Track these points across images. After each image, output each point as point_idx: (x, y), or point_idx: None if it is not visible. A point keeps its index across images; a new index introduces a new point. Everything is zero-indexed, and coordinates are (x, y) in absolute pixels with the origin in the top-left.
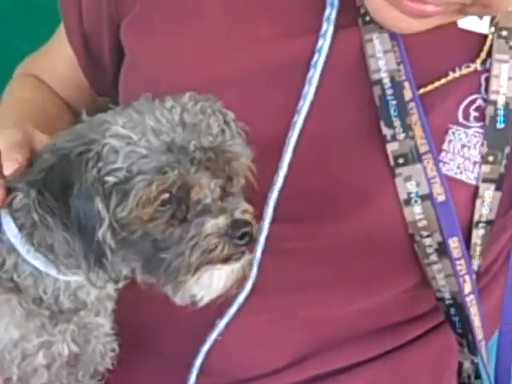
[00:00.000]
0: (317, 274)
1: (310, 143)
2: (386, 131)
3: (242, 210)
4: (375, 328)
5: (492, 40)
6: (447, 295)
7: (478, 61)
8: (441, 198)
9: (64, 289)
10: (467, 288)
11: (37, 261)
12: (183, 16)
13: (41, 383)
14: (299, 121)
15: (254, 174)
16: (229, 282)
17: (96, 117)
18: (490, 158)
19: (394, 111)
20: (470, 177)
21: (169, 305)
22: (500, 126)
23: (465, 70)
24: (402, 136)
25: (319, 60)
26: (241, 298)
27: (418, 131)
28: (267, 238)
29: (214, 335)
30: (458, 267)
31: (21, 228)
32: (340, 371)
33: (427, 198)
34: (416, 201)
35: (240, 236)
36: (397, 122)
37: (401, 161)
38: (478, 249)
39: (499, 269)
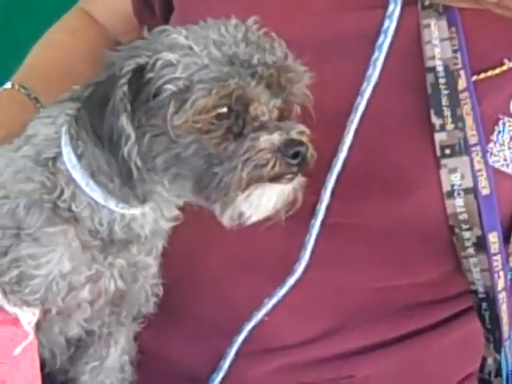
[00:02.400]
0: (361, 251)
1: (370, 126)
2: (435, 120)
3: (299, 130)
4: (406, 305)
5: None
6: (481, 289)
7: None
8: (485, 192)
9: (119, 220)
10: (501, 284)
11: (95, 192)
12: None
13: (82, 318)
14: (362, 103)
15: (311, 102)
16: (279, 202)
17: (156, 29)
18: None
19: (446, 101)
20: None
21: (221, 276)
22: None
23: None
24: (451, 126)
25: (385, 42)
26: (293, 278)
27: (469, 121)
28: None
29: (260, 314)
30: (494, 263)
31: (80, 157)
32: (370, 348)
33: (471, 191)
34: (459, 193)
35: (293, 155)
36: (447, 112)
37: (447, 152)
38: None
39: None
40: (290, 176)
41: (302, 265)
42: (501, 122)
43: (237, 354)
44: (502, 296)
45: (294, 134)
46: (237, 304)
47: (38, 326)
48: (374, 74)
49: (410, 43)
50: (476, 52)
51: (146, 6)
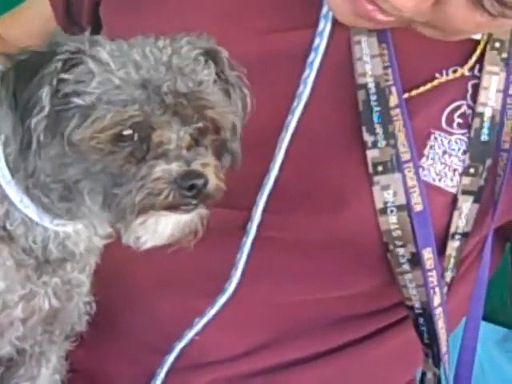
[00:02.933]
0: (294, 264)
1: (301, 143)
2: (367, 138)
3: (203, 162)
4: (340, 318)
5: (483, 47)
6: (417, 304)
7: (466, 66)
8: (418, 208)
9: (53, 238)
10: (437, 300)
11: (28, 209)
12: None
13: (14, 337)
14: (293, 121)
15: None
16: (175, 231)
17: (92, 37)
18: (472, 170)
19: (378, 118)
20: (448, 184)
21: (151, 293)
22: (485, 138)
23: (452, 75)
24: (383, 143)
25: (315, 60)
26: (224, 297)
27: (401, 138)
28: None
29: (191, 334)
30: (430, 278)
31: (13, 172)
32: (302, 361)
33: (404, 208)
34: (392, 210)
35: (188, 187)
36: (379, 129)
37: (380, 169)
38: (453, 261)
39: (471, 263)
40: (187, 207)
41: (233, 283)
42: (433, 136)
43: (168, 372)
44: (439, 312)
45: (195, 165)
46: (167, 322)
47: None
48: (305, 91)
49: (341, 60)
50: (407, 68)
51: (73, 24)
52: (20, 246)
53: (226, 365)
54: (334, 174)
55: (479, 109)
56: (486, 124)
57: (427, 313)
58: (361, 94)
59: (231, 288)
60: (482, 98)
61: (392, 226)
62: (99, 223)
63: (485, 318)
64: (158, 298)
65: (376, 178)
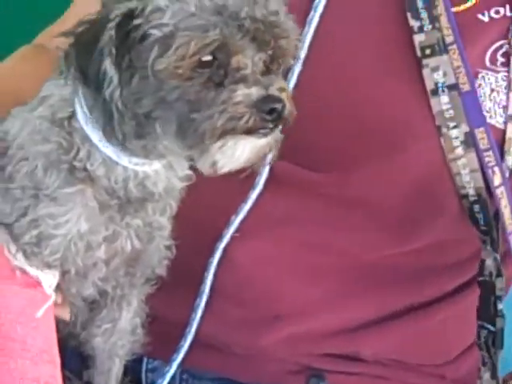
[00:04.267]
0: (348, 216)
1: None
2: (413, 23)
3: (279, 87)
4: (415, 273)
5: None
6: (471, 191)
7: (508, 6)
8: (466, 88)
9: (133, 178)
10: (497, 180)
11: (107, 148)
12: None
13: (97, 278)
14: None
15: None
16: (252, 155)
17: None
18: None
19: (422, 2)
20: (499, 121)
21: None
22: None
23: (494, 15)
24: (429, 27)
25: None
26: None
27: (443, 22)
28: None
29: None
30: (487, 158)
31: (91, 112)
32: (380, 319)
33: (454, 87)
34: (443, 90)
35: (268, 111)
36: (424, 14)
37: (428, 52)
38: None
39: None
40: (265, 131)
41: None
42: (480, 75)
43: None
44: (501, 191)
45: (272, 90)
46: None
47: (57, 288)
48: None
49: None
50: None
51: None
52: (102, 187)
53: (302, 319)
54: (385, 106)
55: None
56: None
57: (482, 198)
58: None
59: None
60: None
61: (444, 107)
62: (177, 162)
63: None
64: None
65: (425, 61)
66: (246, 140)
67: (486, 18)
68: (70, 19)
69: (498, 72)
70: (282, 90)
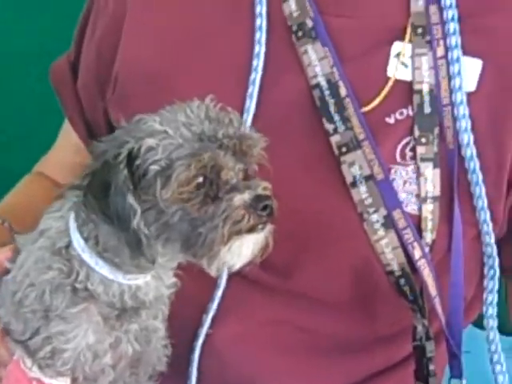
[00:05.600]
0: (297, 303)
1: None
2: (328, 126)
3: (263, 186)
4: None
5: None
6: (395, 267)
7: (410, 107)
8: (380, 177)
9: (127, 291)
10: (417, 253)
11: (104, 270)
12: None
13: (107, 382)
14: None
15: (266, 160)
16: (255, 249)
17: (134, 118)
18: (423, 140)
19: (333, 107)
20: (414, 208)
21: None
22: (428, 111)
23: (399, 117)
24: (342, 128)
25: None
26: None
27: (355, 122)
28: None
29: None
30: (406, 236)
31: (86, 240)
32: None
33: (370, 178)
34: (361, 182)
35: (262, 207)
36: (336, 117)
37: (344, 150)
38: (430, 223)
39: None
40: (262, 225)
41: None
42: (392, 170)
43: None
44: (422, 263)
45: (260, 191)
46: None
47: None
48: (251, 106)
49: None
50: (350, 62)
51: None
52: (103, 302)
53: None
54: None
55: (416, 86)
56: (426, 98)
57: (406, 272)
58: (316, 93)
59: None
60: (417, 77)
61: (363, 195)
62: (164, 273)
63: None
64: None
65: (342, 158)
66: (249, 237)
67: (392, 120)
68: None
69: (408, 165)
70: (266, 189)
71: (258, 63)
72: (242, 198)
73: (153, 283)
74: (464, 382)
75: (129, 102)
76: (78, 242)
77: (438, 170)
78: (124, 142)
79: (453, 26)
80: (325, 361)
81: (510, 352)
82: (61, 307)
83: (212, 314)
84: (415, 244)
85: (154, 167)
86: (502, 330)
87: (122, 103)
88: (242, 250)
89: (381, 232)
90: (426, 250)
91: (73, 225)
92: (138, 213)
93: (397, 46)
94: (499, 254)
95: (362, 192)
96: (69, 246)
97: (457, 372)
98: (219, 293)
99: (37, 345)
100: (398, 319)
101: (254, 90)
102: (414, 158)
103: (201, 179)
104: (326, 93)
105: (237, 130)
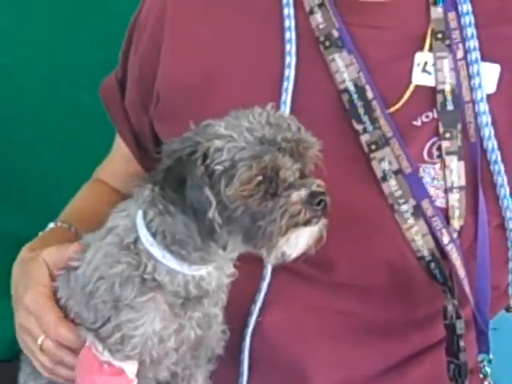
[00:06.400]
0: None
1: None
2: (358, 127)
3: (317, 184)
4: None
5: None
6: (426, 253)
7: (435, 110)
8: (408, 171)
9: (192, 281)
10: (446, 239)
11: (171, 262)
12: None
13: (170, 363)
14: None
15: (321, 160)
16: (310, 241)
17: (201, 123)
18: (448, 135)
19: (362, 109)
20: (442, 202)
21: None
22: (450, 108)
23: (425, 119)
24: (370, 128)
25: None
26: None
27: (382, 122)
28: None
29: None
30: (434, 223)
31: (154, 236)
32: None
33: (398, 172)
34: (390, 176)
35: (317, 203)
36: (365, 118)
37: (373, 147)
38: (457, 211)
39: None
40: (316, 219)
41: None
42: (421, 169)
43: None
44: (450, 247)
45: (314, 187)
46: None
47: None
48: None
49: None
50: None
51: (144, 152)
52: (169, 291)
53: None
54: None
55: (439, 87)
56: (449, 97)
57: (436, 256)
58: (344, 96)
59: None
60: (439, 78)
61: (393, 188)
62: (225, 263)
63: None
64: None
65: (372, 155)
66: (305, 230)
67: (419, 123)
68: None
69: (435, 163)
70: (319, 185)
71: (290, 73)
72: (298, 194)
73: (215, 273)
74: (491, 356)
75: (170, 114)
76: (146, 237)
77: (462, 163)
78: (197, 142)
79: (470, 31)
80: (364, 344)
81: None
82: (130, 297)
83: (260, 304)
84: (443, 230)
85: (219, 167)
86: None
87: (164, 116)
88: (299, 241)
89: (411, 221)
90: (454, 235)
91: (140, 222)
92: (213, 204)
93: (419, 56)
94: None
95: (391, 185)
96: (136, 241)
97: (484, 347)
98: (265, 284)
99: (107, 332)
100: (431, 303)
101: (287, 98)
102: (440, 156)
103: (261, 178)
104: (354, 96)
105: (294, 134)
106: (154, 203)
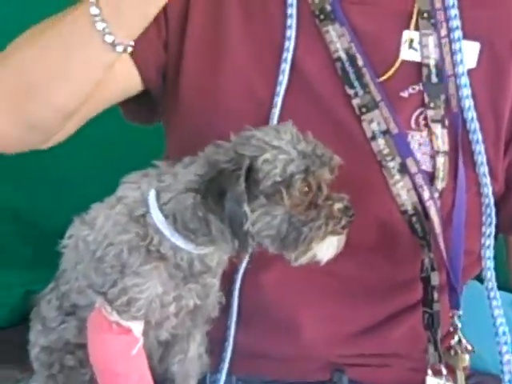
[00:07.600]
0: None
1: None
2: (350, 91)
3: (347, 199)
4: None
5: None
6: (409, 207)
7: (421, 84)
8: (395, 131)
9: (196, 257)
10: (426, 195)
11: (178, 241)
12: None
13: (171, 326)
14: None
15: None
16: (339, 247)
17: (243, 133)
18: (432, 105)
19: (353, 75)
20: (428, 166)
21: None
22: (435, 81)
23: (412, 91)
24: (361, 93)
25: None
26: None
27: (371, 87)
28: None
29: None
30: (417, 180)
31: (166, 217)
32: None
33: (386, 132)
34: (379, 136)
35: (351, 215)
36: (356, 83)
37: (364, 110)
38: (441, 174)
39: None
40: (344, 229)
41: None
42: (409, 135)
43: None
44: (430, 203)
45: (346, 202)
46: None
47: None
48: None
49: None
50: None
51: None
52: (171, 264)
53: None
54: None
55: (424, 61)
56: (433, 70)
57: (418, 210)
58: (338, 64)
59: None
60: (424, 52)
61: (381, 147)
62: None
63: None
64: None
65: (363, 117)
66: (336, 237)
67: (406, 94)
68: None
69: (422, 131)
70: (348, 200)
71: (289, 45)
72: (339, 205)
73: (216, 252)
74: (461, 312)
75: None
76: (156, 216)
77: (445, 130)
78: (241, 157)
79: (454, 12)
80: (351, 303)
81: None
82: (135, 265)
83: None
84: (425, 187)
85: (273, 179)
86: (504, 287)
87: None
88: (330, 247)
89: (397, 177)
90: (436, 195)
91: (153, 201)
92: (249, 220)
93: (406, 34)
94: (498, 215)
95: (380, 144)
96: (145, 215)
97: (455, 303)
98: None
99: (114, 295)
100: (413, 264)
101: (286, 67)
102: (426, 125)
103: (307, 189)
104: (346, 64)
105: (322, 149)
106: (175, 205)
